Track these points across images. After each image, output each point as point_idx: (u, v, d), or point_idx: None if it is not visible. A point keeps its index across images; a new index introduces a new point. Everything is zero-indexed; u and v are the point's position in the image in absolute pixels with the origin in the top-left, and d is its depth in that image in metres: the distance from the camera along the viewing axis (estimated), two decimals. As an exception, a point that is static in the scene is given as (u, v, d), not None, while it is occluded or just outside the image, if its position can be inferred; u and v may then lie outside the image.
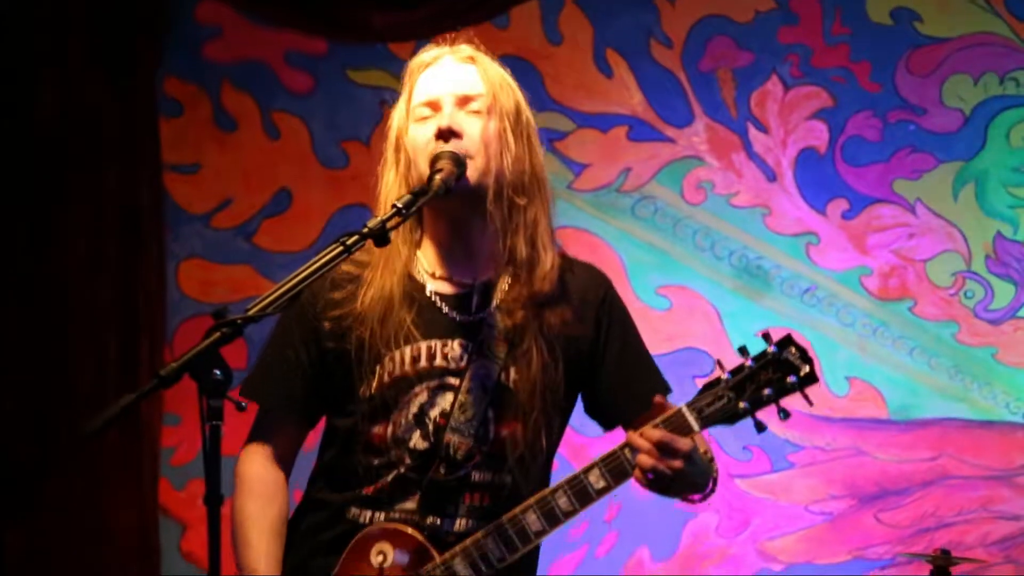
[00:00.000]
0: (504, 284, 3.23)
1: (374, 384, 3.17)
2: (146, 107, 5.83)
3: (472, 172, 3.14)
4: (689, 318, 5.81)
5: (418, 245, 3.27)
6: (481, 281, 3.24)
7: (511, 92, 3.28)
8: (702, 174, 5.88)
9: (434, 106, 3.20)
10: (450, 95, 3.19)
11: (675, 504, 5.52)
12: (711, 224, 5.85)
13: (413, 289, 3.21)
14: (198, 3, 5.95)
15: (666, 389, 3.38)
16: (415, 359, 3.18)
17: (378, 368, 3.17)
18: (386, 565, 3.12)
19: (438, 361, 3.19)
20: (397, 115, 3.29)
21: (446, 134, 3.14)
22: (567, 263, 3.32)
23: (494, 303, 3.22)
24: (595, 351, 3.30)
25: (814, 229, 5.83)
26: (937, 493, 5.71)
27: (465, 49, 3.28)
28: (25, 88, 5.69)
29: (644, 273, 5.82)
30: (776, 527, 5.74)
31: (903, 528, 5.71)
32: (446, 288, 3.24)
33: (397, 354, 3.17)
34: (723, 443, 5.69)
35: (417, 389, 3.18)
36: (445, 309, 3.21)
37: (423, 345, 3.18)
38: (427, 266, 3.26)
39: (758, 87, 5.88)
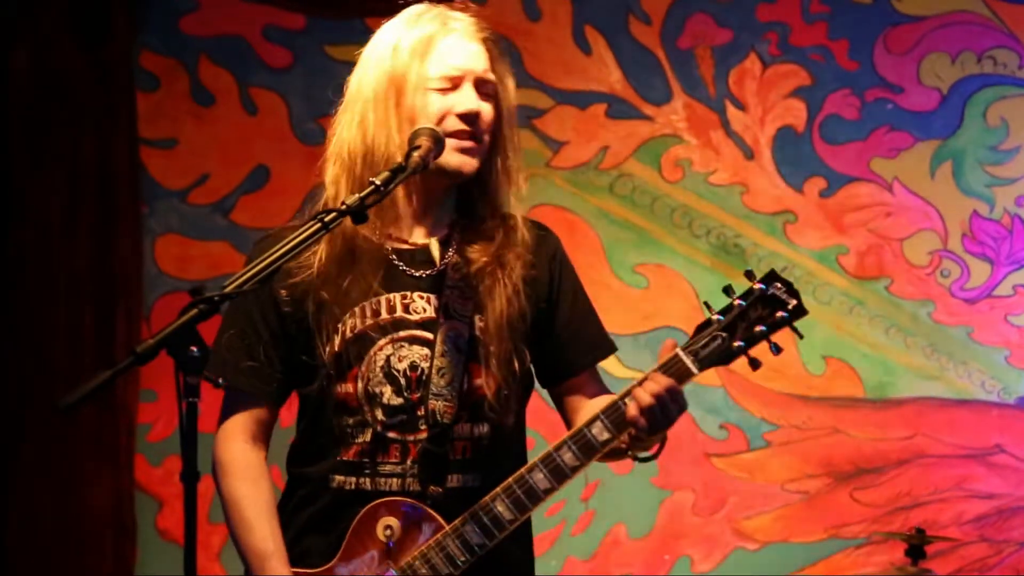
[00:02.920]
0: (464, 241, 3.25)
1: (337, 342, 3.18)
2: (122, 77, 5.80)
3: (478, 156, 3.20)
4: (666, 296, 5.81)
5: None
6: (436, 239, 3.26)
7: (512, 77, 3.32)
8: (680, 152, 5.88)
9: (455, 81, 3.19)
10: (472, 75, 3.20)
11: (651, 481, 5.56)
12: (689, 202, 5.86)
13: (369, 247, 3.21)
14: (175, -24, 5.94)
15: (611, 348, 3.42)
16: (376, 312, 3.18)
17: (339, 326, 3.18)
18: (394, 538, 3.12)
19: (399, 313, 3.19)
20: (402, 61, 3.20)
21: (472, 118, 3.16)
22: (516, 220, 3.33)
23: (451, 260, 3.23)
24: (550, 299, 3.32)
25: (791, 207, 5.84)
26: (912, 472, 5.74)
27: (482, 27, 3.28)
28: (0, 58, 5.66)
29: (621, 251, 5.83)
30: (752, 506, 5.75)
31: (878, 507, 5.73)
32: (401, 246, 3.25)
33: (357, 310, 3.18)
34: (699, 422, 5.71)
35: (381, 343, 3.18)
36: (403, 266, 3.22)
37: (383, 299, 3.19)
38: (382, 225, 3.25)
39: (736, 65, 5.89)
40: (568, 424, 3.37)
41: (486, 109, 3.20)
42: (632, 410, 3.07)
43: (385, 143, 3.19)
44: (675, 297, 5.81)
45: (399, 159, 3.09)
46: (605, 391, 3.38)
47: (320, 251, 3.19)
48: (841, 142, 5.85)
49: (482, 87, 3.22)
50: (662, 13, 5.90)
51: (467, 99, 3.18)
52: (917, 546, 5.02)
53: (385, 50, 3.25)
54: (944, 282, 5.80)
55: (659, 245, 5.84)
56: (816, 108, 5.85)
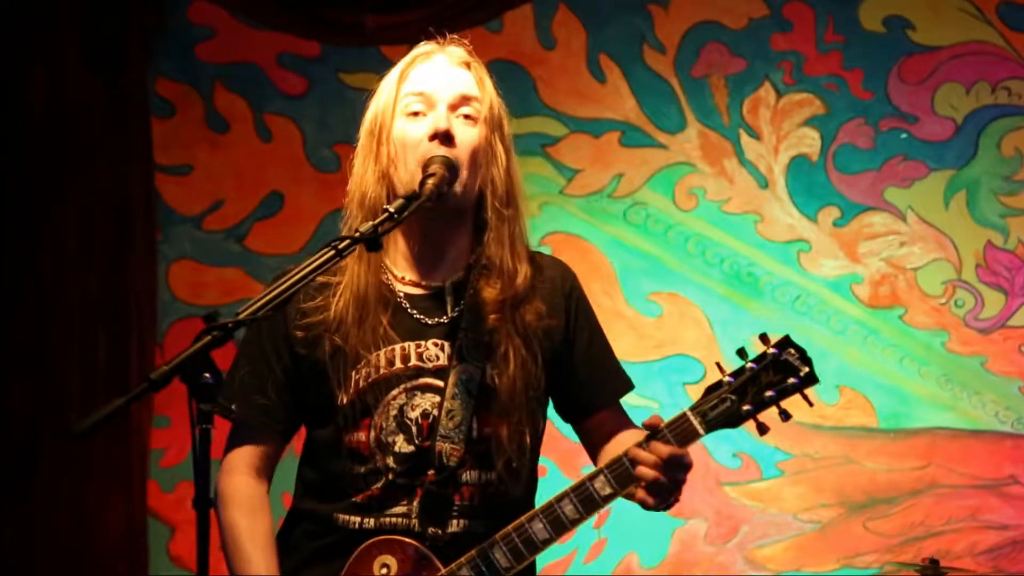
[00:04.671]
0: (476, 285, 3.22)
1: (351, 390, 3.16)
2: (138, 106, 5.83)
3: (458, 183, 3.13)
4: (680, 325, 5.81)
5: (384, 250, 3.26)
6: (450, 282, 3.23)
7: (499, 101, 3.27)
8: (694, 180, 5.88)
9: (427, 102, 3.17)
10: (446, 96, 3.18)
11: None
12: (703, 230, 5.85)
13: (386, 292, 3.20)
14: (191, 4, 5.95)
15: (629, 385, 3.42)
16: (390, 362, 3.17)
17: (353, 374, 3.16)
18: None
19: (413, 362, 3.18)
20: (381, 102, 3.24)
21: (443, 137, 3.12)
22: (533, 258, 3.32)
23: (467, 305, 3.21)
24: (566, 340, 3.30)
25: (805, 236, 5.83)
26: (926, 502, 5.72)
27: (461, 52, 3.26)
28: (16, 85, 5.68)
29: (635, 279, 5.82)
30: (765, 535, 5.74)
31: (892, 537, 5.71)
32: (415, 291, 3.23)
33: (373, 357, 3.16)
34: (713, 450, 5.69)
35: (395, 392, 3.17)
36: (416, 312, 3.20)
37: (397, 347, 3.17)
38: (395, 269, 3.25)
39: (751, 94, 5.89)
40: (591, 455, 3.38)
41: (462, 131, 3.16)
42: (640, 494, 3.07)
43: (373, 182, 3.20)
44: (688, 326, 5.80)
45: (384, 198, 3.12)
46: (626, 423, 3.37)
47: (338, 294, 3.18)
48: (855, 171, 5.85)
49: (460, 109, 3.18)
50: (676, 42, 5.91)
51: (437, 120, 3.15)
52: (930, 577, 5.00)
53: (378, 89, 3.28)
54: (958, 312, 5.79)
55: (673, 273, 5.84)
56: (830, 137, 5.85)
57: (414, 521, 3.14)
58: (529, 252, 3.30)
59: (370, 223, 2.91)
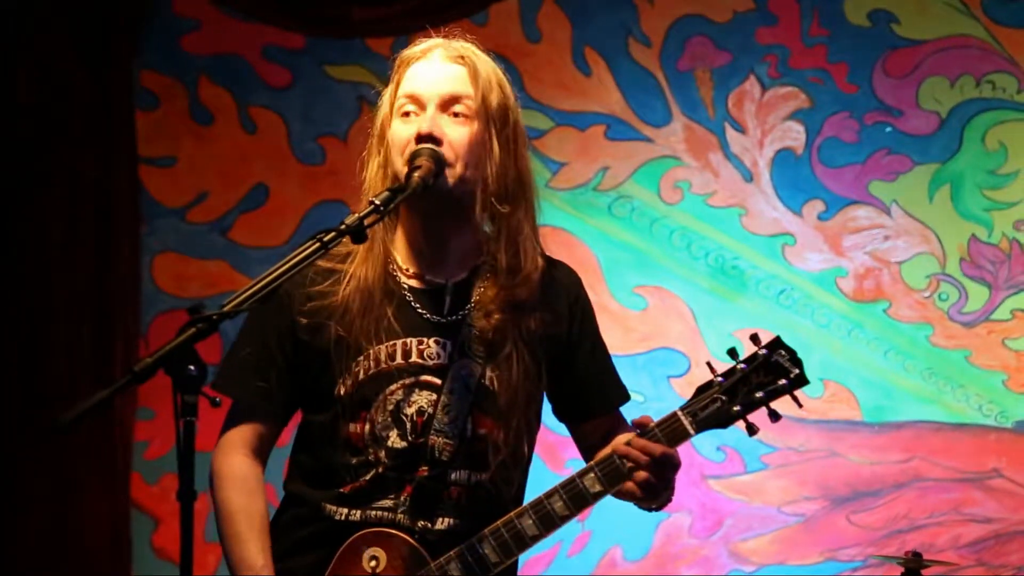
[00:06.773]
0: (481, 286, 3.21)
1: (350, 381, 3.16)
2: (122, 98, 5.82)
3: (450, 178, 3.11)
4: (665, 318, 5.81)
5: (392, 242, 3.26)
6: (454, 281, 3.23)
7: (500, 95, 3.23)
8: (679, 174, 5.88)
9: (418, 103, 3.15)
10: (435, 96, 3.15)
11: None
12: (688, 224, 5.86)
13: (391, 284, 3.20)
14: (176, -4, 5.96)
15: (626, 397, 3.43)
16: (391, 356, 3.16)
17: (354, 365, 3.16)
18: (379, 570, 3.11)
19: (413, 358, 3.17)
20: (384, 104, 3.25)
21: (426, 139, 3.10)
22: (545, 262, 3.31)
23: (470, 304, 3.21)
24: (568, 347, 3.30)
25: (790, 230, 5.84)
26: (909, 495, 5.73)
27: (458, 46, 3.23)
28: (1, 76, 5.67)
29: (620, 272, 5.83)
30: (749, 528, 5.74)
31: (875, 530, 5.71)
32: (419, 286, 3.23)
33: (373, 351, 3.16)
34: (697, 444, 5.69)
35: (393, 386, 3.16)
36: (419, 308, 3.20)
37: (399, 342, 3.17)
38: (400, 263, 3.24)
39: (736, 87, 5.89)
40: (584, 456, 3.38)
41: (452, 130, 3.13)
42: (630, 486, 3.11)
43: (377, 181, 3.20)
44: (673, 319, 5.80)
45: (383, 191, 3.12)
46: (623, 427, 3.37)
47: (345, 282, 3.18)
48: (840, 165, 5.85)
49: (451, 106, 3.16)
50: (662, 35, 5.91)
51: (421, 122, 3.13)
52: (914, 570, 4.99)
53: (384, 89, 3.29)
54: (942, 306, 5.80)
55: (658, 267, 5.84)
56: (815, 131, 5.86)
57: (400, 516, 3.13)
58: (541, 253, 3.29)
59: (356, 215, 2.91)
